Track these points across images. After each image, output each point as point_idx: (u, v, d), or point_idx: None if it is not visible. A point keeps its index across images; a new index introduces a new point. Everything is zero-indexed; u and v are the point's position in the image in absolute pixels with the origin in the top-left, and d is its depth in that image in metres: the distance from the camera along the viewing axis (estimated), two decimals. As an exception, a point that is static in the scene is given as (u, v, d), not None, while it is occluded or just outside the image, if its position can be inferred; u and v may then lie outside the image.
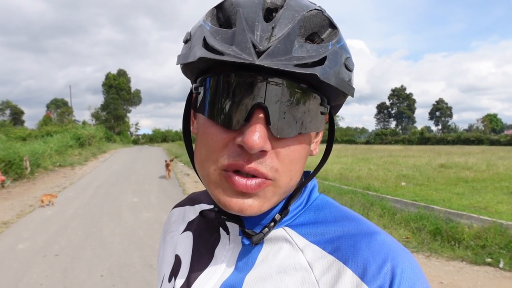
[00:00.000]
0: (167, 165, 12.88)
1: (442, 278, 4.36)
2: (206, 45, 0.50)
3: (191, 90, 0.61)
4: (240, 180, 0.50)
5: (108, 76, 63.85)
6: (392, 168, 15.32)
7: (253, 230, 0.60)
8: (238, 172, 0.51)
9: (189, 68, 0.57)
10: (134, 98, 66.49)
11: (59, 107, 79.49)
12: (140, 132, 74.99)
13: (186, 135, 0.65)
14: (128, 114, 66.78)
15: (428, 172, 13.82)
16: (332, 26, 0.54)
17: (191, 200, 0.84)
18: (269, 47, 0.46)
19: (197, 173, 0.60)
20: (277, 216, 0.60)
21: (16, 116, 75.34)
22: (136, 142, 61.60)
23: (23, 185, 11.64)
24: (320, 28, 0.53)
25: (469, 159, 18.85)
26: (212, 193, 0.55)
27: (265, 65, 0.45)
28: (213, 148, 0.52)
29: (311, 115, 0.52)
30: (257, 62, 0.45)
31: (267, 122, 0.48)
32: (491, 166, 15.36)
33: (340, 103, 0.61)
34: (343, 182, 11.13)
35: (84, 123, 47.41)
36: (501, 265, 4.59)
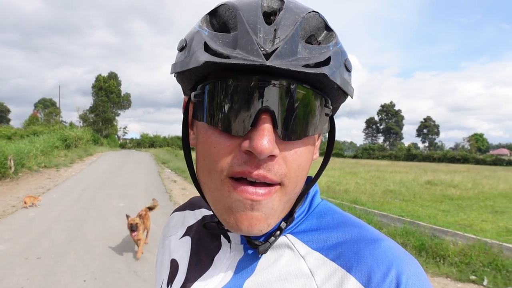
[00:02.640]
0: (139, 218, 5.46)
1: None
2: (209, 50, 0.48)
3: (189, 99, 0.59)
4: (249, 188, 0.49)
5: (98, 79, 63.34)
6: (379, 183, 15.43)
7: (258, 240, 0.58)
8: (245, 180, 0.49)
9: (187, 76, 0.55)
10: (124, 102, 65.96)
11: (47, 107, 78.68)
12: (128, 136, 74.33)
13: (186, 149, 0.62)
14: (117, 118, 66.26)
15: (414, 188, 13.96)
16: (328, 28, 0.54)
17: (192, 204, 0.83)
18: (276, 49, 0.45)
19: (198, 190, 0.58)
20: (283, 224, 0.59)
21: (2, 114, 74.29)
22: (123, 146, 60.94)
23: (6, 184, 11.40)
24: (317, 30, 0.52)
25: (455, 177, 19.09)
26: (219, 212, 0.53)
27: (276, 66, 0.44)
28: (217, 157, 0.50)
29: (317, 117, 0.51)
30: (268, 63, 0.44)
31: (274, 126, 0.47)
32: (476, 185, 15.58)
33: (340, 104, 0.60)
34: (330, 195, 11.16)
35: (71, 124, 46.85)
36: (485, 283, 4.62)
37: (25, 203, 8.09)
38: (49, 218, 7.23)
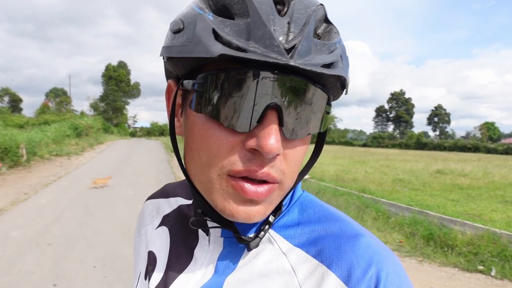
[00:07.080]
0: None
1: (434, 284, 4.37)
2: (219, 38, 0.44)
3: (178, 86, 0.55)
4: (250, 188, 0.47)
5: (108, 68, 63.45)
6: (388, 172, 15.35)
7: (247, 236, 0.57)
8: (245, 177, 0.48)
9: (183, 62, 0.50)
10: (133, 91, 66.08)
11: (58, 97, 79.17)
12: (138, 125, 74.67)
13: (173, 136, 0.59)
14: (127, 107, 66.44)
15: (424, 177, 13.85)
16: (327, 21, 0.51)
17: (165, 192, 0.80)
18: (294, 46, 0.42)
19: (187, 177, 0.56)
20: (271, 218, 0.57)
21: (15, 103, 75.04)
22: (133, 134, 61.30)
23: (18, 172, 11.58)
24: (319, 23, 0.49)
25: (466, 166, 18.90)
26: (215, 201, 0.51)
27: (300, 66, 0.42)
28: (216, 153, 0.48)
29: (319, 115, 0.50)
30: (292, 62, 0.41)
31: (280, 123, 0.45)
32: (487, 174, 15.40)
33: (334, 100, 0.59)
34: (339, 183, 11.13)
35: (82, 113, 47.13)
36: (493, 273, 4.61)
37: (95, 183, 9.04)
38: (60, 206, 7.35)
